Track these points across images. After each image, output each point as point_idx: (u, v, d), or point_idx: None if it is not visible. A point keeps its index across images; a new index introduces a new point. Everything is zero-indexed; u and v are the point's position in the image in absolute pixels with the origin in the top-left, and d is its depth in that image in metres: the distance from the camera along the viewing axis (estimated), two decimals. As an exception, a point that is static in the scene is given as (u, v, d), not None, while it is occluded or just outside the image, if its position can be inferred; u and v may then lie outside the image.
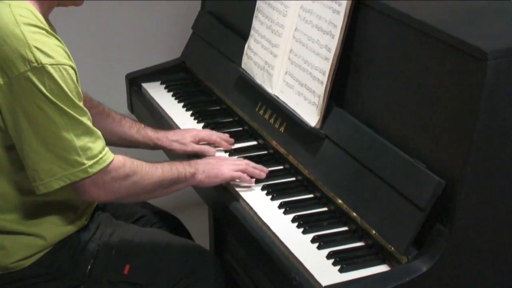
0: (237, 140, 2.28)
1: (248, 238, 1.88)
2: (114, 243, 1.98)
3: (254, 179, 2.03)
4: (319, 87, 2.00)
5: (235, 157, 2.15)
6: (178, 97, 2.58)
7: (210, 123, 2.38)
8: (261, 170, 2.05)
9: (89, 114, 1.78)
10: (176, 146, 2.23)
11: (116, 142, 2.21)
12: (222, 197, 2.03)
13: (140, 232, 2.07)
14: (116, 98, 2.54)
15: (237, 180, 2.03)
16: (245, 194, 1.99)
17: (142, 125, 2.26)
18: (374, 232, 1.75)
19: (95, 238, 1.97)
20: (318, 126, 2.00)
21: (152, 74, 2.73)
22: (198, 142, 2.23)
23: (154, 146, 2.25)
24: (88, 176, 1.75)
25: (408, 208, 1.67)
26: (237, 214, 1.95)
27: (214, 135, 2.25)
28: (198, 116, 2.43)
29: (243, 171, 2.02)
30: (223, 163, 2.02)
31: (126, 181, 1.82)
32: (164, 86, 2.68)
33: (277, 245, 1.80)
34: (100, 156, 1.76)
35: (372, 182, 1.78)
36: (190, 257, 2.06)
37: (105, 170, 1.77)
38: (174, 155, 2.28)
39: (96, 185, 1.78)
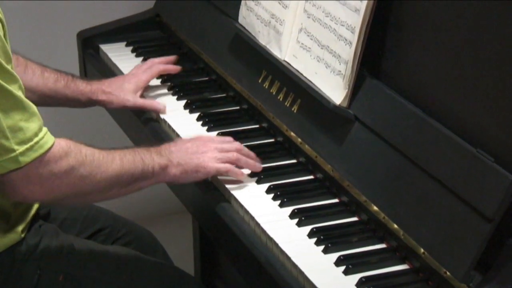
0: (233, 124, 2.29)
1: (248, 259, 1.88)
2: (62, 266, 1.99)
3: (246, 171, 2.03)
4: (347, 50, 2.00)
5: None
6: (151, 63, 2.59)
7: (195, 101, 2.39)
8: (255, 160, 2.05)
9: (21, 81, 1.78)
10: (112, 98, 2.31)
11: (38, 101, 2.22)
12: (210, 202, 2.03)
13: (98, 250, 2.07)
14: (64, 65, 2.54)
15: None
16: (244, 198, 1.99)
17: (70, 76, 2.32)
18: (422, 251, 1.75)
19: (35, 257, 1.97)
20: (345, 104, 2.01)
21: (115, 32, 2.73)
22: (142, 91, 2.34)
23: (87, 102, 2.32)
24: (19, 168, 1.75)
25: (470, 218, 1.67)
26: (233, 226, 1.95)
27: (155, 67, 2.42)
28: (179, 90, 2.44)
29: (233, 163, 2.02)
30: (205, 149, 2.02)
31: (70, 175, 1.82)
32: (131, 48, 2.68)
33: (288, 269, 1.81)
34: (36, 140, 1.76)
35: (420, 182, 1.79)
36: (167, 285, 2.07)
37: (41, 159, 1.77)
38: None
39: (29, 180, 1.77)
